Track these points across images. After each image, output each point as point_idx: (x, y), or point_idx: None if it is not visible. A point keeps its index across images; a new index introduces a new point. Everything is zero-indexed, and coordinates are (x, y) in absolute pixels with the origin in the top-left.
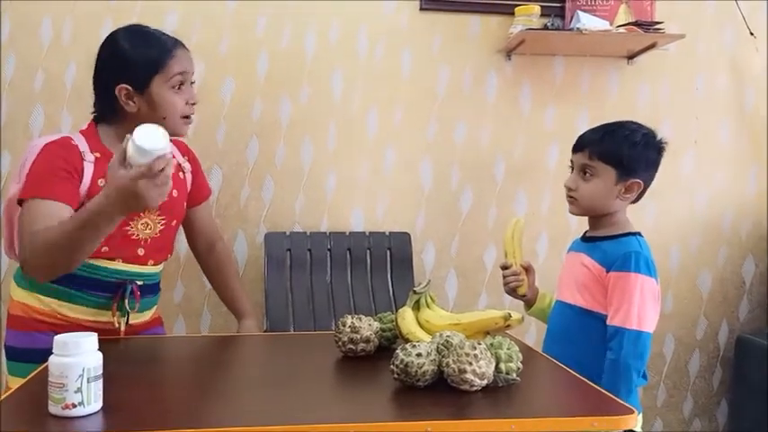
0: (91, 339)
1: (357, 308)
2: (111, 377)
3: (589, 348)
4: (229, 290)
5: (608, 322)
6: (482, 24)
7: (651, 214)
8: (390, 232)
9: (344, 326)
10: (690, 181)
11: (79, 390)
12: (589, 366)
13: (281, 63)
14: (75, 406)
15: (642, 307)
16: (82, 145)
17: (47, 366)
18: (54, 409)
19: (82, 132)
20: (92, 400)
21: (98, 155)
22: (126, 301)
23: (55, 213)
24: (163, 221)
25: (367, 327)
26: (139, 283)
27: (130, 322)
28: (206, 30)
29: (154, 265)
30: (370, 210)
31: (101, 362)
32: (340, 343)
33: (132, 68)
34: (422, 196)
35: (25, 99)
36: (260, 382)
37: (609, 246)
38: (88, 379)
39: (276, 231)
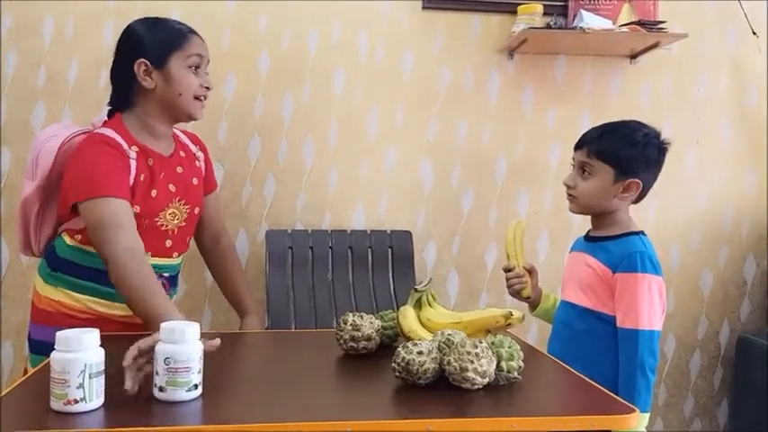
0: (93, 335)
1: (358, 306)
2: (113, 373)
3: (594, 348)
4: (233, 285)
5: (619, 325)
6: (484, 23)
7: (653, 213)
8: (392, 231)
9: (346, 324)
10: (691, 180)
11: (81, 385)
12: (594, 366)
13: (283, 61)
14: (76, 402)
15: (651, 306)
16: (122, 142)
17: (49, 362)
18: (56, 404)
19: (110, 127)
20: (93, 396)
21: (136, 149)
22: None
23: (121, 211)
24: (187, 209)
25: (368, 325)
26: (166, 275)
27: None
28: (207, 28)
29: (178, 256)
30: (371, 208)
31: (103, 358)
32: (341, 341)
33: (152, 45)
34: (423, 195)
35: (27, 96)
36: (261, 379)
37: (613, 246)
38: (90, 375)
39: (278, 229)
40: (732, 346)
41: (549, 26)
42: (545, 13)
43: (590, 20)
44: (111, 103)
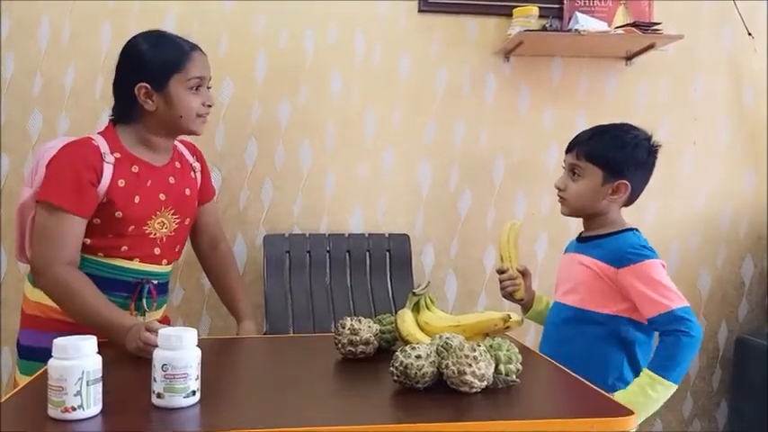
0: (90, 342)
1: (356, 310)
2: (111, 380)
3: (584, 349)
4: (230, 291)
5: (652, 314)
6: (480, 26)
7: (651, 214)
8: (389, 234)
9: (344, 328)
10: (689, 181)
11: (79, 393)
12: (585, 367)
13: (280, 65)
14: (74, 409)
15: (672, 285)
16: (102, 146)
17: (47, 369)
18: (53, 412)
19: (101, 133)
20: (91, 403)
21: (118, 155)
22: (144, 300)
23: (68, 230)
24: (177, 220)
25: (366, 329)
26: (155, 282)
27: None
28: (204, 31)
29: (167, 264)
30: (369, 211)
31: (100, 365)
32: (339, 345)
33: (151, 68)
34: (420, 198)
35: (23, 102)
36: (260, 384)
37: (609, 242)
38: (87, 382)
39: (275, 233)
40: (730, 346)
41: (544, 28)
42: (540, 16)
43: (585, 22)
44: (113, 115)
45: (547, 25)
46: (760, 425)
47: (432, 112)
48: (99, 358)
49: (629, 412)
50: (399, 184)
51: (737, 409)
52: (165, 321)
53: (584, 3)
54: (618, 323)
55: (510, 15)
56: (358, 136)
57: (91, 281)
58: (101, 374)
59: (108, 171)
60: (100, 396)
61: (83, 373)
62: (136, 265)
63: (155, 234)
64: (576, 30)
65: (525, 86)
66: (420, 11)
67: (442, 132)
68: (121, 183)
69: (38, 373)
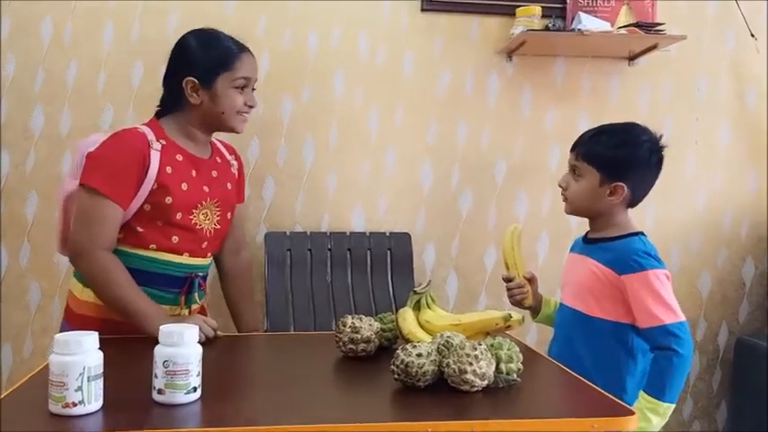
0: (92, 338)
1: (357, 308)
2: (112, 376)
3: (591, 351)
4: (238, 302)
5: (645, 325)
6: (483, 25)
7: (651, 215)
8: (391, 232)
9: (345, 326)
10: (690, 182)
11: (80, 388)
12: (591, 369)
13: (283, 63)
14: (75, 405)
15: (671, 298)
16: (149, 134)
17: (48, 365)
18: (54, 407)
19: (145, 124)
20: (92, 398)
21: (163, 142)
22: (195, 293)
23: (106, 215)
24: (219, 212)
25: (367, 327)
26: (201, 275)
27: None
28: None
29: (210, 256)
30: (370, 210)
31: (101, 360)
32: (340, 343)
33: (201, 64)
34: (422, 197)
35: (25, 99)
36: (260, 382)
37: (613, 247)
38: (89, 378)
39: (277, 231)
40: (731, 348)
41: (547, 28)
42: (543, 16)
43: (588, 22)
44: (159, 106)
45: (549, 25)
46: (760, 426)
47: (434, 111)
48: (100, 354)
49: (629, 412)
50: (401, 183)
51: (737, 410)
52: (203, 312)
53: (587, 3)
54: (621, 330)
55: (513, 15)
56: (360, 135)
57: (126, 269)
58: (102, 370)
59: (155, 158)
60: (101, 392)
61: (84, 368)
62: (185, 259)
63: (200, 225)
64: (578, 30)
65: (528, 86)
66: (423, 10)
67: (445, 131)
68: (169, 169)
69: (35, 371)
